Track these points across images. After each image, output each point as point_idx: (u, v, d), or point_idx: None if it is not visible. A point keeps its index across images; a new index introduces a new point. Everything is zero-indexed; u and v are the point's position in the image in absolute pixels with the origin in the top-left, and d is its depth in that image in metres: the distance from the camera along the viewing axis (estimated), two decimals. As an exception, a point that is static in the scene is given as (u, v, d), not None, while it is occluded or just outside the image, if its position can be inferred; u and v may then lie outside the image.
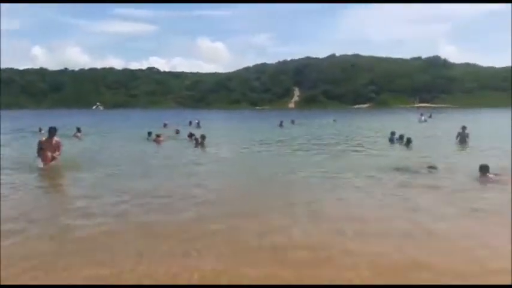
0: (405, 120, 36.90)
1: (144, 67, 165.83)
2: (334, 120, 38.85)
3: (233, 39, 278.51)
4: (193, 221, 6.37)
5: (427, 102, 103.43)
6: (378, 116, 53.43)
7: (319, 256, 4.84)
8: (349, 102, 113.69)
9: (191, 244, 5.21)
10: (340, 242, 5.31)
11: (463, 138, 16.81)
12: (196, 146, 17.87)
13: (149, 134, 19.98)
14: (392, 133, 18.41)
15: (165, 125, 30.26)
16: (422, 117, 38.55)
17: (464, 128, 17.07)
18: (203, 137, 18.19)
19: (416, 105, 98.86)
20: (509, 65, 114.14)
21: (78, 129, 22.72)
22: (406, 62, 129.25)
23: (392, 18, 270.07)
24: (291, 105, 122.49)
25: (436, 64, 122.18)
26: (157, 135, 19.25)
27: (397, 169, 10.58)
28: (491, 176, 9.02)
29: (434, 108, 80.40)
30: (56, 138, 11.16)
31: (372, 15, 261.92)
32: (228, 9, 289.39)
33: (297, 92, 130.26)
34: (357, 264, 4.50)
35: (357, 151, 16.34)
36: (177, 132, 23.51)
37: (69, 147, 14.47)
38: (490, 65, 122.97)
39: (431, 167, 10.20)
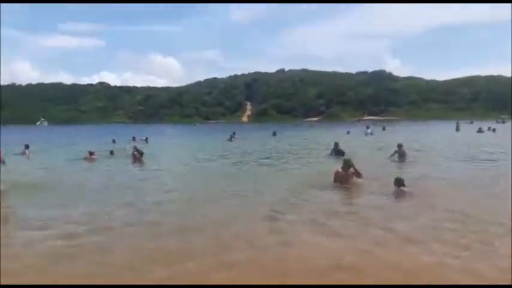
0: (351, 134, 37.30)
1: (94, 82, 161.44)
2: (273, 134, 38.50)
3: (184, 54, 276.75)
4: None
5: (376, 115, 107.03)
6: (325, 129, 54.44)
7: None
8: (300, 115, 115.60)
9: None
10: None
11: (400, 156, 16.15)
12: (134, 162, 17.17)
13: (90, 153, 18.40)
14: (336, 145, 18.32)
15: (113, 141, 29.58)
16: (369, 130, 38.85)
17: (400, 146, 16.47)
18: (141, 152, 17.54)
19: (365, 117, 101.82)
20: (450, 78, 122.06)
21: (27, 146, 21.01)
22: (352, 76, 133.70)
23: (336, 34, 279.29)
24: (244, 119, 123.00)
25: (381, 77, 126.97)
26: (90, 153, 18.20)
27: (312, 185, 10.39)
28: (405, 189, 9.02)
29: (382, 120, 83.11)
30: None
31: (315, 32, 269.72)
32: (177, 25, 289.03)
33: (249, 106, 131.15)
34: None
35: (282, 167, 16.09)
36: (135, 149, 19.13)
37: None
38: (433, 78, 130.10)
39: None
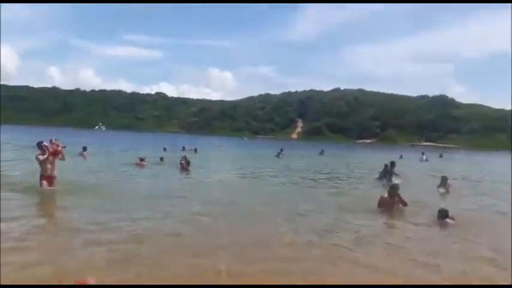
0: (405, 158, 35.88)
1: (153, 92, 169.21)
2: (320, 153, 37.92)
3: (240, 69, 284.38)
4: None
5: (433, 141, 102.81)
6: (377, 151, 52.89)
7: None
8: (353, 136, 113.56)
9: None
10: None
11: (444, 188, 15.03)
12: (181, 171, 17.61)
13: (141, 159, 18.97)
14: (386, 166, 17.60)
15: (164, 149, 30.46)
16: (424, 157, 37.34)
17: (444, 178, 14.94)
18: (188, 162, 17.97)
19: (422, 143, 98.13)
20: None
21: (84, 148, 22.42)
22: (411, 100, 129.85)
23: (397, 55, 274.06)
24: (294, 136, 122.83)
25: (442, 103, 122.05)
26: (141, 159, 18.87)
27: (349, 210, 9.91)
28: (448, 220, 8.48)
29: (439, 147, 79.68)
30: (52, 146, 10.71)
31: (376, 52, 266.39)
32: (235, 40, 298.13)
33: (300, 123, 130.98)
34: None
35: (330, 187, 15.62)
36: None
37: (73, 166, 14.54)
38: (500, 107, 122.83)
39: None
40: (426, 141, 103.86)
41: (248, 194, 12.82)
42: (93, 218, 7.97)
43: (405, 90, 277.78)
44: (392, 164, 17.02)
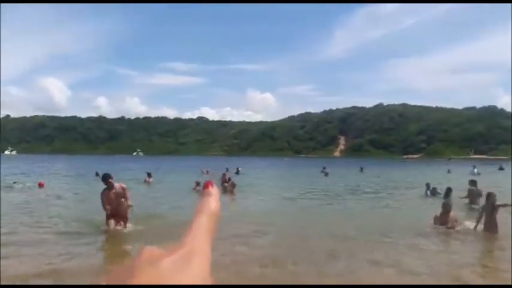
0: (455, 172, 34.21)
1: (195, 116, 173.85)
2: (360, 170, 36.93)
3: (280, 90, 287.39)
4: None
5: (484, 154, 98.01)
6: (424, 167, 50.73)
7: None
8: (397, 151, 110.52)
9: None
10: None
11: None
12: (224, 193, 17.51)
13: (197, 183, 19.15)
14: (427, 185, 16.86)
15: (207, 172, 30.81)
16: (475, 170, 35.48)
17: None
18: (233, 184, 17.84)
19: (471, 156, 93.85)
20: None
21: (149, 174, 22.53)
22: (458, 112, 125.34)
23: (440, 68, 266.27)
24: (336, 153, 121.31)
25: (492, 113, 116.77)
26: (197, 183, 19.12)
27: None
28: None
29: (491, 160, 75.74)
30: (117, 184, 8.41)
31: (419, 65, 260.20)
32: (272, 62, 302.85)
33: (342, 140, 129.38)
34: None
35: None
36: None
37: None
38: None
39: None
40: (476, 153, 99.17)
41: (292, 216, 12.35)
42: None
43: (451, 102, 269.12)
44: (428, 186, 16.48)
